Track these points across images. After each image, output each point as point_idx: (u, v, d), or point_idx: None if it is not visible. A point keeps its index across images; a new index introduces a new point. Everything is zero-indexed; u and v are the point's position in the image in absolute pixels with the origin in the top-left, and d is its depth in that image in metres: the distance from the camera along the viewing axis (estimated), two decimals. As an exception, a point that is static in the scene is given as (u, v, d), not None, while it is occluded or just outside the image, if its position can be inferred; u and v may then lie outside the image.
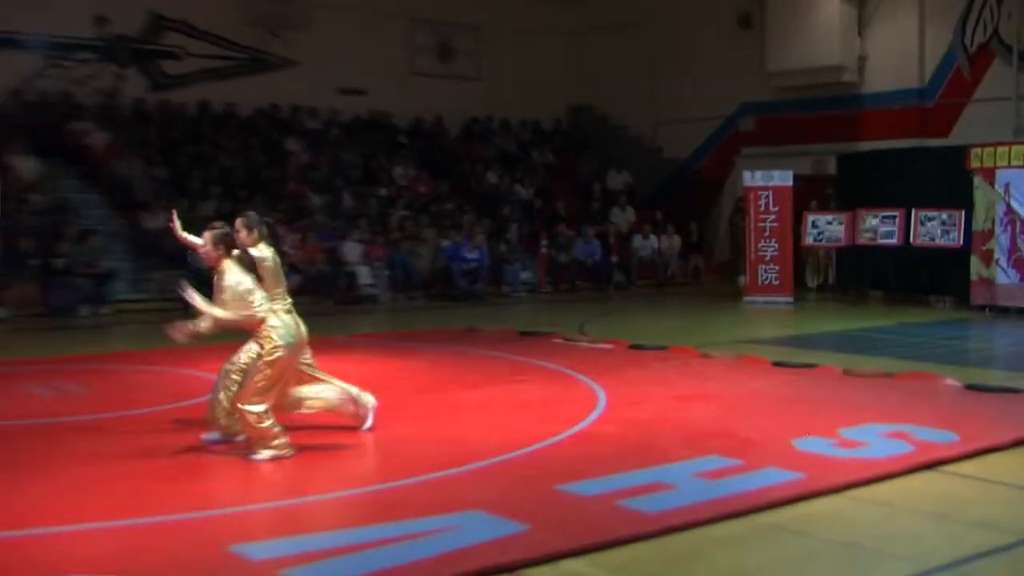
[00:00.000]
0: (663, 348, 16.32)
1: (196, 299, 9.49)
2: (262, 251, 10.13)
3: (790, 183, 25.35)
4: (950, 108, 28.21)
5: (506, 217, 30.01)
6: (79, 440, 10.12)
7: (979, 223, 22.21)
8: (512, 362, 15.42)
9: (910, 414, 11.09)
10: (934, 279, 23.61)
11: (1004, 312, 21.60)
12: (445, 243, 27.04)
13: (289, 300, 10.40)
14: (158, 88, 29.23)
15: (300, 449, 9.69)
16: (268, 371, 9.42)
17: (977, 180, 22.21)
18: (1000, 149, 22.11)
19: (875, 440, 9.96)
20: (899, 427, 10.42)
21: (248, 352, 10.01)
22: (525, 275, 28.08)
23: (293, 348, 9.62)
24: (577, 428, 10.69)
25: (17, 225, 22.57)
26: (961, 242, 22.75)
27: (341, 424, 10.76)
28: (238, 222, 10.39)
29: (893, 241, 23.97)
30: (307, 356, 10.58)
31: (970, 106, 27.83)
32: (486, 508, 7.76)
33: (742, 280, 25.86)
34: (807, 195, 26.20)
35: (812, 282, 27.10)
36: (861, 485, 8.51)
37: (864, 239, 24.53)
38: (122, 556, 6.95)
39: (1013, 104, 26.81)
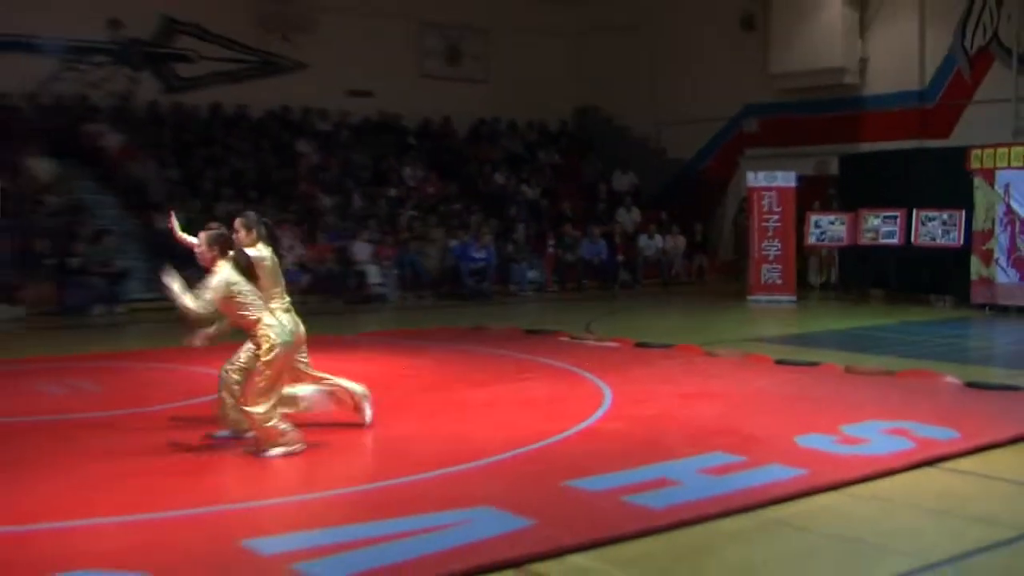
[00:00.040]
0: (668, 346, 16.31)
1: (175, 286, 9.47)
2: (260, 251, 10.15)
3: (793, 184, 25.37)
4: (950, 110, 28.16)
5: (513, 217, 30.00)
6: (92, 437, 10.13)
7: (979, 223, 22.19)
8: (519, 360, 15.41)
9: (911, 411, 11.08)
10: (935, 278, 23.58)
11: (1004, 311, 21.57)
12: (453, 243, 27.05)
13: (288, 299, 10.41)
14: (171, 91, 29.27)
15: (310, 446, 9.70)
16: (267, 371, 9.40)
17: (977, 181, 22.19)
18: (1000, 150, 22.09)
19: (876, 437, 9.95)
20: (900, 424, 10.41)
21: (247, 351, 10.01)
22: (532, 274, 28.06)
23: (290, 346, 9.61)
24: (583, 425, 10.69)
25: (33, 226, 22.60)
26: (961, 242, 22.72)
27: (349, 421, 10.79)
28: (237, 222, 10.41)
29: (894, 241, 23.95)
30: (303, 354, 10.56)
31: (970, 108, 27.79)
32: (494, 504, 7.77)
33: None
34: (810, 195, 26.22)
35: (816, 280, 27.13)
36: (863, 481, 8.51)
37: (866, 239, 24.50)
38: (135, 551, 6.96)
39: (1012, 106, 26.76)
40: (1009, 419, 10.70)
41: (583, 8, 35.21)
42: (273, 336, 9.42)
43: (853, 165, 27.19)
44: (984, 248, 22.04)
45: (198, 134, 28.41)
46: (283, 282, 10.46)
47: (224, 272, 9.46)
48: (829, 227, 25.23)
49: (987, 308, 21.86)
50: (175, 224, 10.63)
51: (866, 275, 25.23)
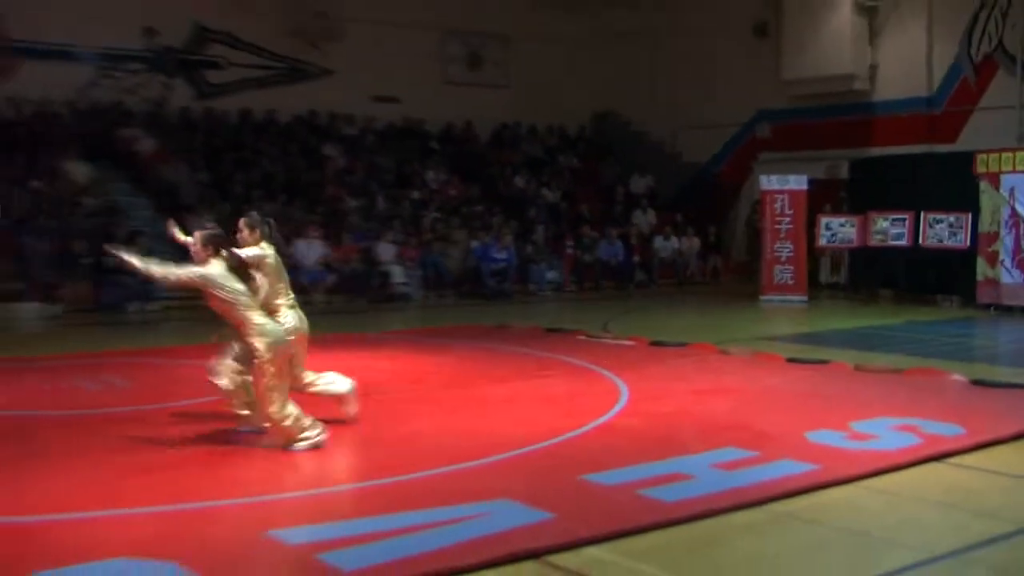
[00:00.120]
0: (683, 345, 16.30)
1: (131, 260, 9.45)
2: (263, 249, 10.15)
3: (805, 187, 25.34)
4: (957, 115, 28.09)
5: (533, 219, 30.00)
6: (122, 430, 10.15)
7: (985, 225, 22.15)
8: (538, 358, 15.41)
9: (918, 408, 11.07)
10: (942, 279, 23.54)
11: (1008, 311, 21.53)
12: (475, 244, 27.05)
13: (292, 296, 10.41)
14: (203, 97, 29.35)
15: (335, 441, 9.74)
16: (271, 369, 9.40)
17: (983, 184, 22.16)
18: (1005, 155, 22.10)
19: (885, 433, 9.94)
20: (908, 420, 10.40)
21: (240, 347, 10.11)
22: (551, 274, 28.05)
23: (284, 343, 9.58)
24: (600, 421, 10.69)
25: (71, 227, 22.68)
26: (968, 244, 22.69)
27: (370, 416, 10.85)
28: (241, 222, 10.42)
29: (903, 243, 23.92)
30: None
31: (976, 114, 27.72)
32: (513, 497, 7.77)
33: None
34: (821, 198, 26.18)
35: (827, 278, 27.09)
36: (871, 476, 8.50)
37: (875, 241, 24.47)
38: (162, 540, 6.98)
39: (1017, 112, 26.68)
40: (1013, 416, 10.68)
41: (601, 17, 35.16)
42: (266, 334, 9.40)
43: (863, 169, 27.14)
44: (990, 250, 22.00)
45: (228, 138, 28.48)
46: (287, 279, 10.43)
47: (210, 267, 9.43)
48: (839, 229, 25.21)
49: (992, 308, 21.82)
50: (176, 231, 10.63)
51: (875, 276, 25.20)
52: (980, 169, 22.22)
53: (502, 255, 26.69)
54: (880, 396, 12.02)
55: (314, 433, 9.47)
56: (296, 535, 7.01)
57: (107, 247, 9.88)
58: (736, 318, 22.00)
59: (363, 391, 12.42)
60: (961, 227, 22.96)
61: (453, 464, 8.85)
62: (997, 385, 12.61)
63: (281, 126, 29.84)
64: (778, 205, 25.33)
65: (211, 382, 9.86)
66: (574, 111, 35.49)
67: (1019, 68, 26.87)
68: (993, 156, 22.19)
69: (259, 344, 9.34)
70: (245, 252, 10.10)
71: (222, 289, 9.37)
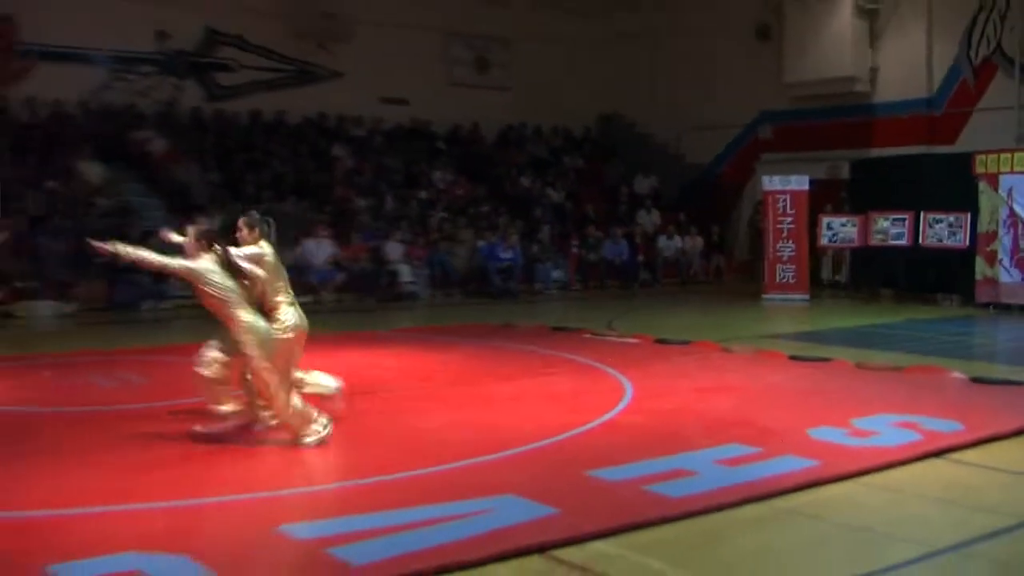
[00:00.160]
0: (686, 343, 16.29)
1: (119, 249, 9.53)
2: (262, 248, 10.13)
3: (806, 187, 25.33)
4: (956, 117, 28.08)
5: (538, 219, 30.00)
6: (136, 426, 10.14)
7: (984, 225, 22.13)
8: (544, 356, 15.41)
9: (918, 405, 11.05)
10: (941, 278, 23.51)
11: (1007, 309, 21.50)
12: (481, 243, 27.07)
13: (292, 293, 10.40)
14: (213, 98, 29.37)
15: (343, 438, 9.76)
16: (268, 366, 9.40)
17: (982, 185, 22.13)
18: (1003, 156, 22.05)
19: (885, 429, 9.93)
20: (908, 417, 10.39)
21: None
22: (556, 273, 28.08)
23: (274, 339, 9.57)
24: (605, 418, 10.69)
25: (85, 227, 22.69)
26: (967, 243, 22.67)
27: (378, 413, 10.84)
28: (240, 221, 10.40)
29: (903, 242, 23.90)
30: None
31: (975, 115, 27.71)
32: (519, 492, 7.76)
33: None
34: (822, 199, 26.15)
35: (828, 275, 27.08)
36: (872, 472, 8.49)
37: (876, 240, 24.45)
38: (174, 534, 6.99)
39: (1015, 113, 26.67)
40: (1012, 412, 10.66)
41: (606, 21, 35.19)
42: (250, 334, 9.39)
43: (864, 169, 27.12)
44: (988, 249, 21.98)
45: (239, 139, 28.49)
46: (286, 277, 10.41)
47: (200, 262, 9.45)
48: (841, 229, 25.20)
49: (991, 307, 21.78)
50: (169, 233, 10.63)
51: (876, 275, 25.18)
52: (979, 170, 22.18)
53: (508, 254, 26.70)
54: (881, 393, 12.01)
55: (320, 426, 9.47)
56: (305, 530, 7.02)
57: (92, 243, 9.85)
58: (739, 316, 22.00)
59: (371, 388, 12.50)
60: (960, 227, 22.94)
61: (460, 460, 8.85)
62: (996, 382, 12.59)
63: (291, 127, 29.85)
64: (780, 205, 25.32)
65: (195, 371, 9.80)
66: (579, 113, 35.50)
67: (1017, 70, 26.86)
68: (992, 157, 22.15)
69: (246, 341, 9.36)
70: (243, 251, 10.11)
71: (211, 284, 9.38)
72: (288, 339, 10.09)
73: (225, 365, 9.65)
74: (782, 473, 8.40)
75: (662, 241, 30.24)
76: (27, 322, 20.51)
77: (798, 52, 30.10)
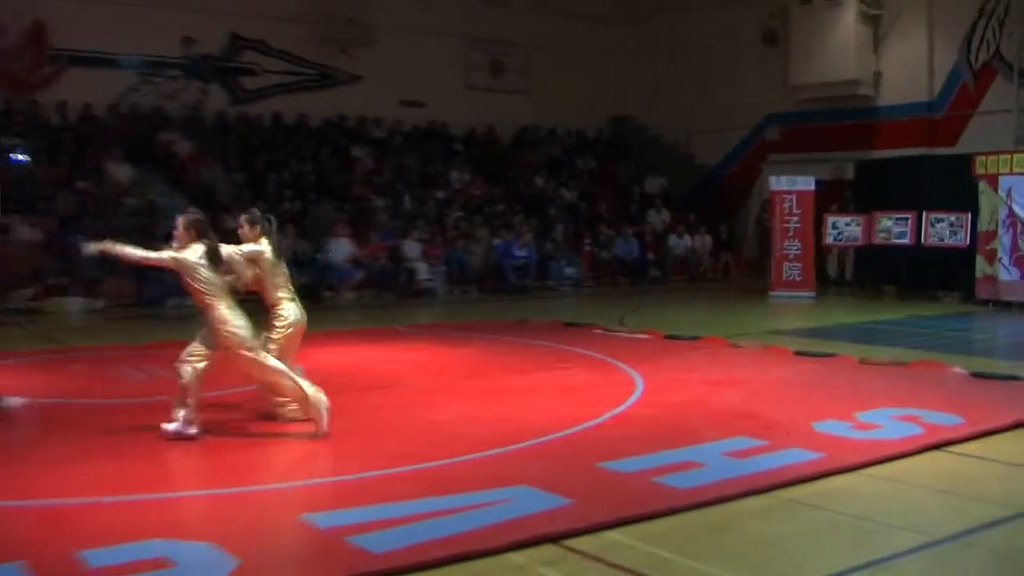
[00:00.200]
0: (695, 338, 16.30)
1: (107, 247, 9.55)
2: (261, 245, 10.14)
3: (812, 187, 25.27)
4: (957, 120, 28.09)
5: (552, 218, 30.01)
6: (165, 418, 10.15)
7: (983, 225, 22.10)
8: (557, 350, 15.41)
9: (920, 399, 11.04)
10: (943, 276, 23.47)
11: (1006, 306, 21.45)
12: (497, 241, 27.07)
13: (292, 289, 10.41)
14: (237, 101, 29.41)
15: (362, 429, 9.81)
16: (251, 352, 9.46)
17: (982, 185, 22.10)
18: (1003, 157, 22.04)
19: (888, 423, 9.92)
20: (910, 411, 10.38)
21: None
22: (569, 271, 28.08)
23: (251, 334, 9.56)
24: (617, 411, 10.70)
25: (114, 226, 22.74)
26: (967, 242, 22.66)
27: (396, 406, 10.87)
28: (242, 218, 10.44)
29: (906, 241, 23.89)
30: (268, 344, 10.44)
31: (975, 118, 27.71)
32: (533, 483, 7.77)
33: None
34: (827, 198, 26.10)
35: (833, 271, 27.05)
36: (875, 464, 8.50)
37: (879, 239, 24.43)
38: (198, 522, 7.06)
39: (1014, 116, 26.68)
40: (1010, 406, 10.64)
41: (618, 26, 35.23)
42: (225, 325, 9.42)
43: (868, 170, 27.12)
44: (988, 248, 21.95)
45: (262, 141, 28.48)
46: (287, 273, 10.45)
47: (187, 252, 9.43)
48: (845, 228, 25.17)
49: (991, 304, 21.74)
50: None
51: (879, 273, 25.16)
52: (979, 171, 22.15)
53: (523, 252, 26.72)
54: (883, 388, 11.99)
55: (318, 405, 9.54)
56: (327, 519, 7.02)
57: (82, 246, 9.88)
58: (746, 313, 21.97)
59: (388, 382, 12.53)
60: (961, 226, 22.93)
61: (475, 452, 8.86)
62: (995, 377, 12.56)
63: (312, 129, 29.85)
64: (787, 205, 25.28)
65: (174, 368, 9.73)
66: (592, 115, 35.49)
67: (1016, 74, 26.89)
68: (991, 158, 22.14)
69: (228, 338, 9.39)
70: (241, 249, 10.14)
71: (195, 273, 9.39)
72: (289, 334, 10.16)
73: (206, 358, 9.62)
74: (788, 465, 8.39)
75: (672, 239, 30.23)
76: (58, 318, 20.58)
77: (804, 57, 30.12)
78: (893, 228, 24.15)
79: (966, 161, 22.59)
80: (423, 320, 20.98)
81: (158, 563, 6.18)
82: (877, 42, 29.59)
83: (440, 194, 29.37)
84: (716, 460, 8.56)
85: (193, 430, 9.36)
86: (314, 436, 9.46)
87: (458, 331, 18.17)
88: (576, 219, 30.85)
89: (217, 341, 9.47)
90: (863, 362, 13.91)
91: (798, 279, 24.97)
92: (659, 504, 7.34)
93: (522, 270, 26.60)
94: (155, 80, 27.84)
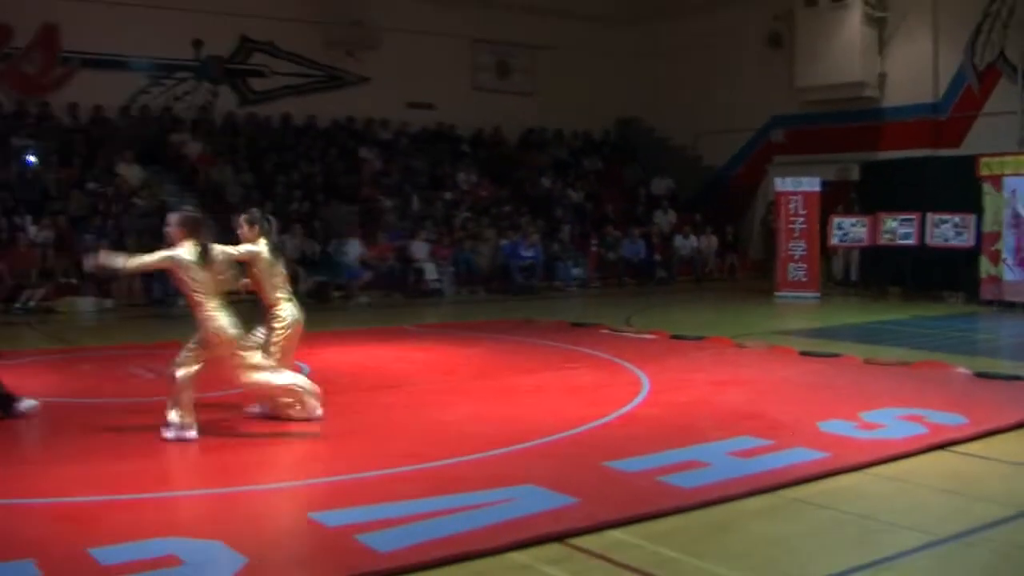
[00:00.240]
0: (701, 339, 16.28)
1: (104, 261, 9.54)
2: (259, 245, 10.14)
3: (817, 189, 25.26)
4: (961, 121, 28.03)
5: (559, 219, 30.02)
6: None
7: (988, 225, 22.08)
8: (564, 350, 15.41)
9: (924, 399, 11.02)
10: (947, 276, 23.46)
11: (1010, 307, 21.41)
12: (504, 242, 27.09)
13: (290, 288, 10.40)
14: (246, 103, 29.46)
15: (370, 429, 9.82)
16: (275, 350, 9.61)
17: (986, 187, 22.09)
18: (1007, 158, 22.09)
19: (892, 423, 9.91)
20: (914, 411, 10.37)
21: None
22: (576, 271, 28.08)
23: (236, 333, 9.56)
24: (623, 411, 10.69)
25: (125, 226, 22.78)
26: (971, 243, 22.64)
27: (403, 406, 10.88)
28: (241, 218, 10.42)
29: (910, 242, 23.86)
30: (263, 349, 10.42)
31: (979, 119, 27.66)
32: (539, 482, 7.77)
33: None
34: (833, 199, 26.09)
35: (839, 271, 27.03)
36: (880, 463, 8.49)
37: (884, 240, 24.40)
38: (208, 521, 7.05)
39: (1018, 118, 26.61)
40: (1014, 406, 10.62)
41: (625, 28, 35.25)
42: (212, 322, 9.40)
43: (872, 172, 27.09)
44: (992, 249, 21.92)
45: (271, 142, 28.53)
46: (283, 273, 10.45)
47: (180, 250, 9.38)
48: (851, 229, 25.14)
49: (995, 304, 21.72)
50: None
51: (884, 273, 25.13)
52: (983, 172, 22.15)
53: (530, 253, 26.73)
54: (888, 388, 11.97)
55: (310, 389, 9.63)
56: (335, 517, 7.02)
57: (83, 261, 9.88)
58: (752, 313, 21.95)
59: (396, 382, 12.54)
60: (965, 227, 22.91)
61: (482, 451, 8.87)
62: (999, 377, 12.54)
63: (320, 130, 29.91)
64: (792, 206, 25.27)
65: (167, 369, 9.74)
66: (599, 117, 35.52)
67: (1020, 76, 26.83)
68: (995, 160, 22.14)
69: (212, 331, 9.38)
70: (238, 249, 10.15)
71: (187, 272, 9.35)
72: (289, 334, 10.17)
73: (200, 359, 9.60)
74: (793, 464, 8.38)
75: (678, 240, 30.21)
76: (69, 318, 20.62)
77: (809, 59, 30.07)
78: (898, 229, 24.12)
79: (970, 162, 22.57)
80: (431, 320, 21.01)
81: (166, 561, 6.18)
82: (882, 44, 29.55)
83: (448, 195, 29.40)
84: (721, 459, 8.54)
85: (192, 433, 9.34)
86: (309, 421, 9.57)
87: (466, 331, 18.18)
88: (583, 220, 30.86)
89: (206, 339, 9.46)
90: (868, 362, 13.88)
91: (803, 280, 24.94)
92: (664, 503, 7.34)
93: (529, 271, 26.61)
94: (165, 82, 27.93)
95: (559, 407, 10.90)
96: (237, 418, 10.21)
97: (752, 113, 32.27)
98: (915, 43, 28.91)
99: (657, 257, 29.74)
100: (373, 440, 9.50)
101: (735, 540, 6.82)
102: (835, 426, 9.73)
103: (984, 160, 22.27)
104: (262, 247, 10.16)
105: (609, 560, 6.34)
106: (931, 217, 23.51)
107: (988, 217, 22.11)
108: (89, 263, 9.68)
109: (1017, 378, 12.41)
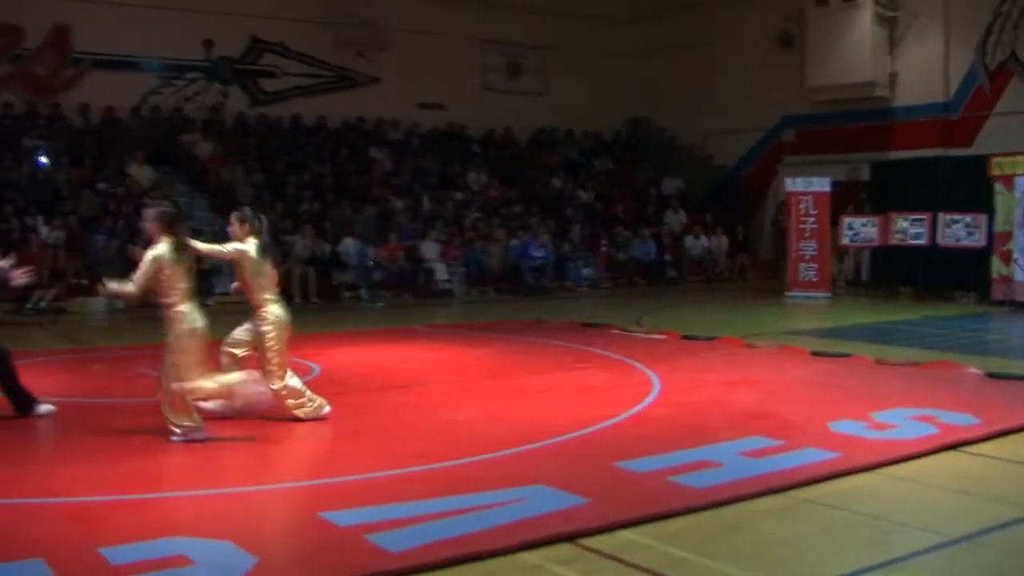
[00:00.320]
0: (712, 339, 16.27)
1: (112, 286, 9.55)
2: (247, 244, 10.10)
3: (828, 189, 25.23)
4: (972, 121, 28.01)
5: (569, 219, 30.02)
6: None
7: (999, 225, 22.05)
8: (575, 351, 15.41)
9: (935, 399, 11.00)
10: (958, 277, 23.42)
11: (1022, 307, 21.36)
12: (514, 242, 27.08)
13: (275, 289, 10.37)
14: (257, 103, 29.50)
15: (381, 429, 9.82)
16: (185, 346, 9.36)
17: (997, 186, 22.06)
18: (1018, 158, 22.03)
19: (903, 423, 9.89)
20: (925, 411, 10.34)
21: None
22: (586, 271, 28.07)
23: (198, 334, 9.49)
24: (633, 411, 10.68)
25: (135, 227, 22.79)
26: (983, 243, 22.60)
27: (414, 406, 10.91)
28: (233, 215, 10.38)
29: (921, 242, 23.83)
30: (242, 349, 10.46)
31: (991, 119, 27.64)
32: (550, 483, 7.76)
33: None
34: (843, 200, 26.05)
35: (849, 275, 27.01)
36: (891, 464, 8.47)
37: (895, 240, 24.37)
38: (218, 520, 7.03)
39: (1030, 117, 26.64)
40: (1026, 407, 10.63)
41: (635, 29, 35.27)
42: (182, 323, 9.36)
43: (883, 171, 27.03)
44: (1004, 249, 21.89)
45: (281, 142, 28.57)
46: (269, 273, 10.35)
47: (159, 248, 9.29)
48: (861, 229, 25.11)
49: (1006, 304, 21.68)
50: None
51: (895, 273, 25.08)
52: (994, 172, 22.12)
53: (540, 253, 26.72)
54: (899, 388, 11.96)
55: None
56: (346, 517, 7.02)
57: (102, 286, 9.88)
58: (762, 313, 21.93)
59: (407, 382, 12.54)
60: (977, 227, 22.87)
61: (492, 452, 8.86)
62: (1010, 377, 12.51)
63: (331, 131, 29.94)
64: (802, 206, 25.24)
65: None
66: (609, 117, 35.55)
67: (1031, 76, 26.85)
68: (1007, 159, 22.12)
69: (176, 330, 9.34)
70: (226, 247, 10.15)
71: (163, 271, 9.27)
72: (281, 336, 10.12)
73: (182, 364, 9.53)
74: (803, 465, 8.37)
75: (689, 240, 30.20)
76: (80, 318, 20.66)
77: (820, 59, 30.05)
78: (909, 229, 24.09)
79: (982, 162, 22.55)
80: (441, 320, 21.00)
81: (176, 561, 6.19)
82: (893, 44, 29.52)
83: (458, 195, 29.42)
84: (732, 460, 8.54)
85: (200, 434, 9.35)
86: (316, 420, 9.77)
87: (476, 331, 18.19)
88: (593, 220, 30.86)
89: (179, 340, 9.40)
90: (879, 362, 13.86)
91: (814, 280, 24.92)
92: (675, 503, 7.33)
93: (539, 271, 26.59)
94: (176, 83, 27.98)
95: (570, 407, 10.89)
96: (244, 419, 10.19)
97: (763, 113, 32.24)
98: (926, 43, 28.89)
99: (668, 257, 29.73)
100: (383, 440, 9.50)
101: (746, 540, 6.81)
102: (846, 426, 9.70)
103: (996, 160, 22.25)
104: (250, 246, 10.11)
105: (620, 560, 6.33)
106: (942, 217, 23.48)
107: (999, 217, 22.08)
108: (111, 289, 9.67)
109: (1028, 378, 12.40)
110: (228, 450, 9.15)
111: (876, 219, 24.85)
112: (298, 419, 10.03)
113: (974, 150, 26.39)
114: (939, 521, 7.13)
